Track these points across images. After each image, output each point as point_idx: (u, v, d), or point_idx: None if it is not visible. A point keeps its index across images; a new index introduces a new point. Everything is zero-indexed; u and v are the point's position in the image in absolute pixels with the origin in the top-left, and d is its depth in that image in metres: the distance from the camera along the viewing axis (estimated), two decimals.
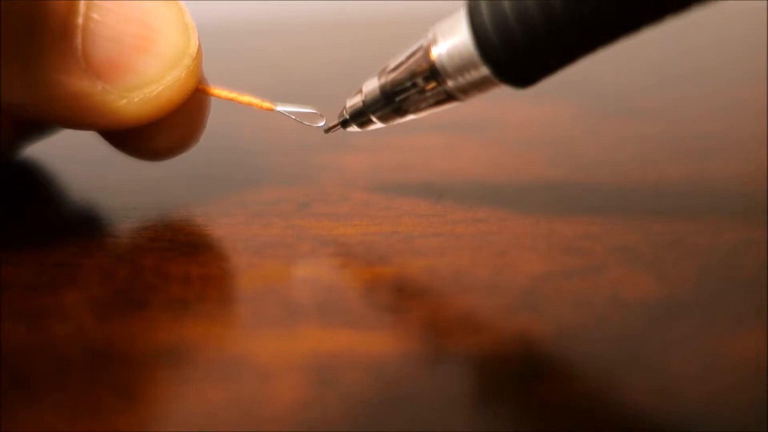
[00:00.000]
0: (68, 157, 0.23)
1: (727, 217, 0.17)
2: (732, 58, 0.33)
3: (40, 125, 0.20)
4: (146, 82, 0.16)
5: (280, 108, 0.18)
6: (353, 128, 0.18)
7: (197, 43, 0.17)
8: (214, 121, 0.19)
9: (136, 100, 0.16)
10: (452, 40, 0.15)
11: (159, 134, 0.18)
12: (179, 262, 0.16)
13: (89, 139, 0.19)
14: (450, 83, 0.16)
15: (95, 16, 0.16)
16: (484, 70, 0.15)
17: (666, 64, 0.32)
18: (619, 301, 0.14)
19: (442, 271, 0.16)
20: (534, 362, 0.13)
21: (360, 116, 0.18)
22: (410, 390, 0.12)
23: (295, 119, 0.18)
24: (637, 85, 0.29)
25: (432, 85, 0.16)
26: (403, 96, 0.17)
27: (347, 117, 0.18)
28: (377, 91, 0.17)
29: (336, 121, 0.18)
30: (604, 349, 0.13)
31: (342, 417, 0.12)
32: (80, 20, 0.15)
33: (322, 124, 0.18)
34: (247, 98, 0.18)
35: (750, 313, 0.14)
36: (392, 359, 0.13)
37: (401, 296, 0.15)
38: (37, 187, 0.21)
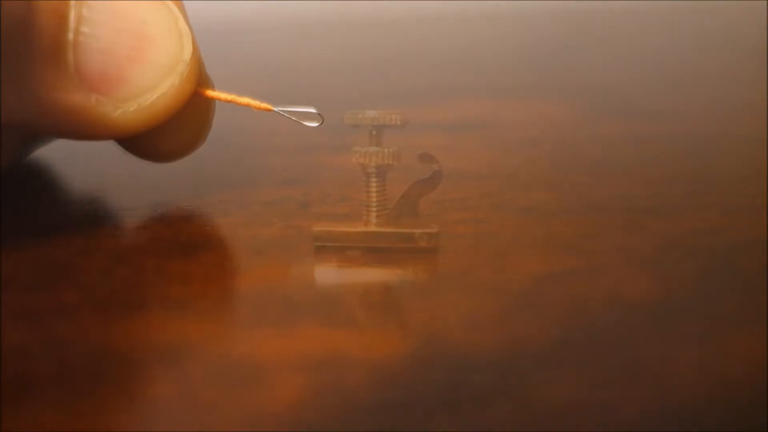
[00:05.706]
0: (68, 157, 0.23)
1: (727, 217, 0.17)
2: (732, 58, 0.33)
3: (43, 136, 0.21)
4: (140, 92, 0.16)
5: (278, 108, 0.18)
6: None
7: (191, 48, 0.17)
8: (214, 121, 0.19)
9: (131, 110, 0.16)
10: None
11: (166, 137, 0.18)
12: (179, 262, 0.16)
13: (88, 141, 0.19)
14: None
15: (86, 30, 0.16)
16: None
17: (665, 65, 0.32)
18: (619, 301, 0.14)
19: (442, 271, 0.16)
20: (534, 362, 0.13)
21: None
22: (410, 390, 0.12)
23: (294, 120, 0.18)
24: (637, 85, 0.29)
25: None
26: None
27: None
28: None
29: None
30: (603, 349, 0.13)
31: (342, 417, 0.12)
32: (71, 36, 0.15)
33: (320, 123, 0.18)
34: (245, 100, 0.18)
35: (750, 313, 0.14)
36: (392, 359, 0.13)
37: (401, 296, 0.15)
38: (37, 187, 0.21)
